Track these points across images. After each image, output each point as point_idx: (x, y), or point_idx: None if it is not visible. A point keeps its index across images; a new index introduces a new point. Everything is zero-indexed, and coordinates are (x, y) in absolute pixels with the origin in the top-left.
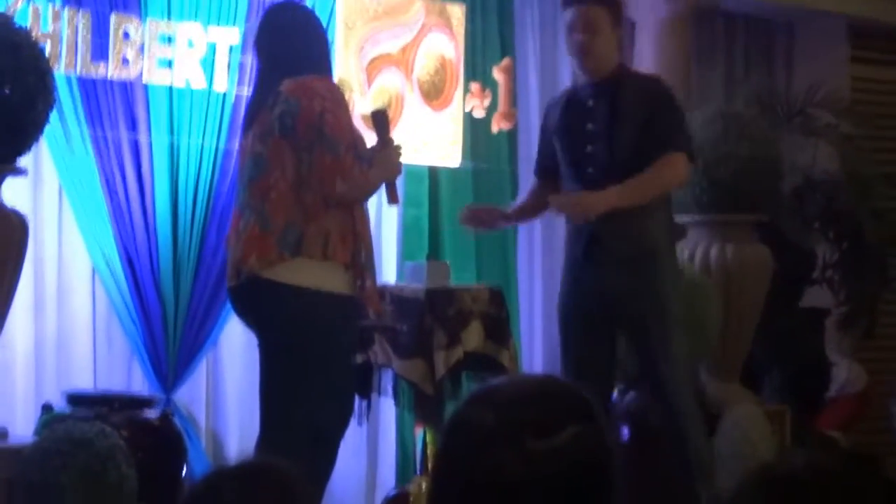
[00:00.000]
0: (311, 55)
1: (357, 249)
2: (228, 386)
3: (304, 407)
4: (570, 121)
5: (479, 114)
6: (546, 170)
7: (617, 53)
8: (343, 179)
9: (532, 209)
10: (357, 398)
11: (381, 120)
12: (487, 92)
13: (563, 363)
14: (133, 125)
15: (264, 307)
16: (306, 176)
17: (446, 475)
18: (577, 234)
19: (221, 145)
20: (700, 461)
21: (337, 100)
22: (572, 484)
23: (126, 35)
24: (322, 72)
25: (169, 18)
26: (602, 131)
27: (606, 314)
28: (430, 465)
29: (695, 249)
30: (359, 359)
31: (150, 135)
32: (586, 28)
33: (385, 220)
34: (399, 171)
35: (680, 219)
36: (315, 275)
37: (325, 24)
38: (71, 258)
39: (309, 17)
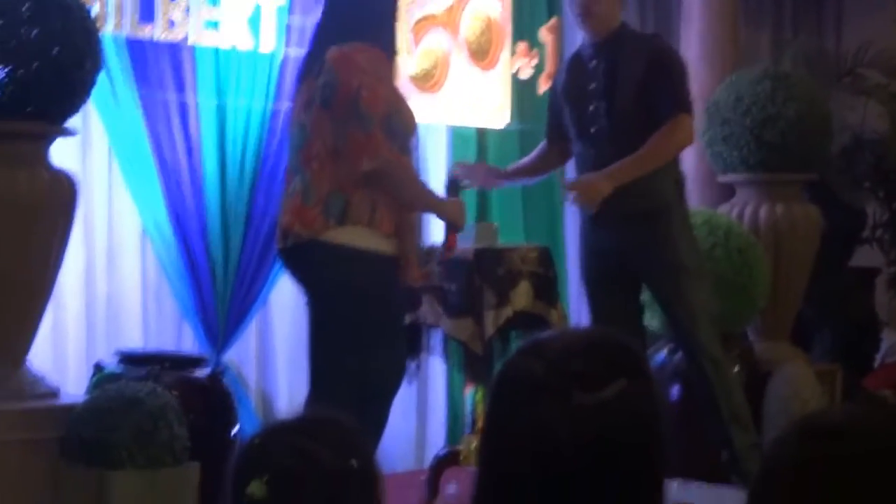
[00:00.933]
0: (367, 21)
1: (402, 219)
2: (278, 345)
3: (353, 366)
4: (573, 81)
5: (525, 74)
6: (554, 132)
7: (619, 13)
8: (370, 157)
9: (532, 170)
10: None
11: (453, 187)
12: (534, 52)
13: (592, 324)
14: (181, 86)
15: (312, 268)
16: (342, 149)
17: (494, 427)
18: None
19: (269, 106)
20: (732, 408)
21: (377, 73)
22: (619, 438)
23: None
24: (373, 39)
25: None
26: (602, 90)
27: (623, 272)
28: (479, 424)
29: (743, 209)
30: (408, 319)
31: (197, 96)
32: None
33: (433, 182)
34: (460, 223)
35: (728, 178)
36: (361, 237)
37: None
38: (120, 219)
39: None
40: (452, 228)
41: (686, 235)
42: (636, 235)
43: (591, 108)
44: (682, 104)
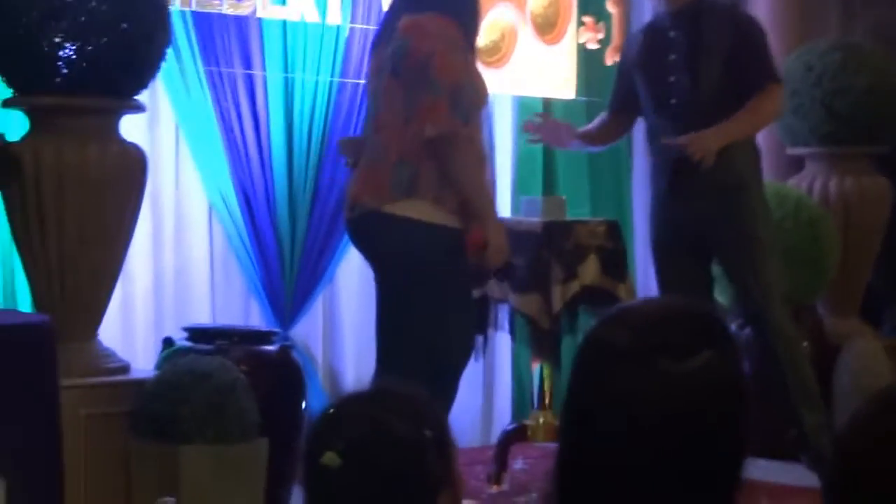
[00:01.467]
0: None
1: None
2: (345, 321)
3: (421, 341)
4: (650, 52)
5: (592, 46)
6: (619, 104)
7: None
8: (433, 124)
9: (595, 138)
10: None
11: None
12: (601, 25)
13: (661, 295)
14: (247, 61)
15: (378, 240)
16: (412, 116)
17: (578, 397)
18: (662, 167)
19: (336, 79)
20: (804, 386)
21: (450, 40)
22: (707, 408)
23: None
24: (448, 10)
25: None
26: (684, 61)
27: (696, 244)
28: (546, 400)
29: (813, 182)
30: (475, 294)
31: (264, 70)
32: None
33: (500, 153)
34: (495, 244)
35: (797, 151)
36: (426, 211)
37: None
38: (188, 195)
39: None
40: (480, 244)
41: (763, 210)
42: (715, 208)
43: (672, 79)
44: (773, 74)
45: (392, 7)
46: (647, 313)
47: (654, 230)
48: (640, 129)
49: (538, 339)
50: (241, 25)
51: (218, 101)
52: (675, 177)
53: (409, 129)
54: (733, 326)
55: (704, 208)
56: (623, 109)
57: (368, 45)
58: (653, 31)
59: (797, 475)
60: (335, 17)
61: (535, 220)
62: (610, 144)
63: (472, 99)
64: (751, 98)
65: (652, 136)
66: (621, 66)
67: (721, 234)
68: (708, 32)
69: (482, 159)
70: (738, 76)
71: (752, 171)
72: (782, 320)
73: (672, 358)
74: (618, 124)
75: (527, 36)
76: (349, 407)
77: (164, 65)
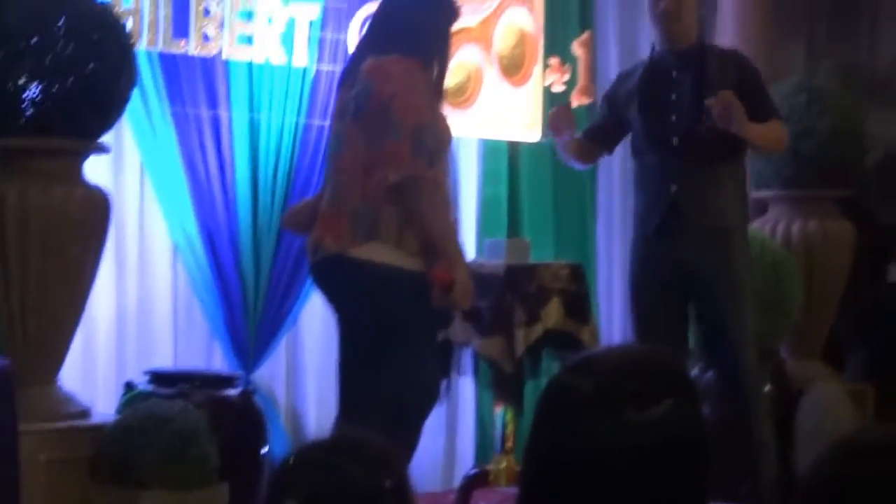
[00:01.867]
0: (407, 33)
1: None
2: (308, 365)
3: (384, 386)
4: (650, 90)
5: (558, 89)
6: (596, 134)
7: (699, 25)
8: (397, 168)
9: (577, 149)
10: None
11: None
12: (567, 67)
13: (636, 338)
14: (213, 102)
15: (340, 284)
16: (373, 160)
17: (541, 444)
18: (653, 206)
19: (301, 121)
20: (763, 438)
21: (413, 82)
22: (667, 457)
23: (206, 11)
24: (411, 51)
25: None
26: (688, 101)
27: (680, 288)
28: (509, 444)
29: (776, 225)
30: (438, 337)
31: (230, 111)
32: None
33: (465, 196)
34: (459, 288)
35: (762, 194)
36: (388, 255)
37: None
38: (152, 236)
39: None
40: (447, 284)
41: (748, 256)
42: (704, 251)
43: (674, 118)
44: (777, 112)
45: (357, 48)
46: (611, 361)
47: (637, 271)
48: (605, 170)
49: (501, 382)
50: (207, 66)
51: (183, 142)
52: (666, 218)
53: (371, 173)
54: (696, 370)
55: (693, 251)
56: (597, 141)
57: (335, 87)
58: (653, 70)
59: None
60: (301, 58)
61: (499, 262)
62: (579, 162)
63: (435, 141)
64: None
65: (648, 175)
66: (611, 100)
67: (707, 278)
68: (712, 73)
69: (447, 201)
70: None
71: (742, 217)
72: (752, 370)
73: (634, 406)
74: (588, 152)
75: (493, 77)
76: (308, 456)
77: (129, 105)
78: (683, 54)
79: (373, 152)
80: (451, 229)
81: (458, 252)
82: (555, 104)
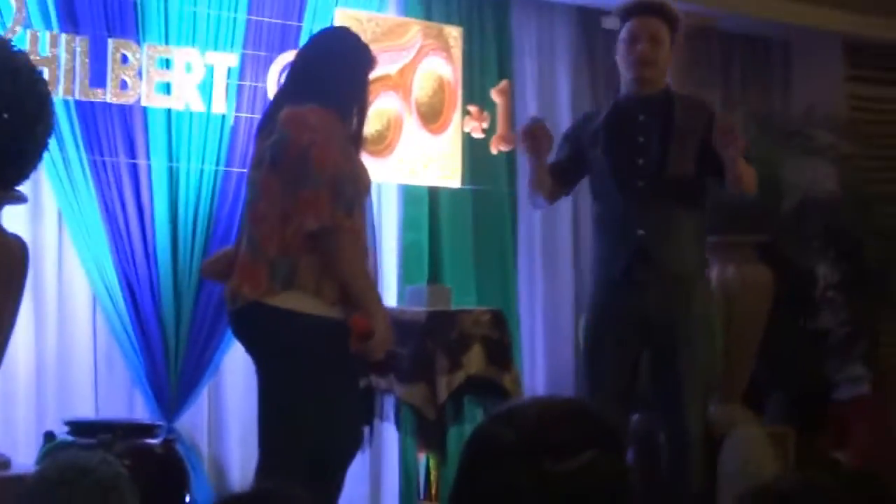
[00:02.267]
0: (324, 83)
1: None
2: (230, 413)
3: (306, 433)
4: (616, 133)
5: (477, 136)
6: (555, 171)
7: (667, 74)
8: (315, 217)
9: (546, 178)
10: None
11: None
12: (486, 114)
13: (588, 384)
14: (132, 150)
15: (259, 332)
16: (291, 209)
17: (463, 492)
18: (618, 249)
19: (220, 168)
20: (694, 487)
21: (330, 132)
22: None
23: (124, 59)
24: (327, 101)
25: (167, 43)
26: (655, 145)
27: (639, 335)
28: (433, 490)
29: None
30: (361, 384)
31: (149, 159)
32: (651, 38)
33: (386, 243)
34: (379, 337)
35: None
36: (307, 303)
37: None
38: (71, 285)
39: (345, 43)
40: (365, 332)
41: (710, 303)
42: (668, 297)
43: (641, 161)
44: (746, 156)
45: (275, 98)
46: (535, 412)
47: (597, 314)
48: (525, 216)
49: (424, 429)
50: (126, 114)
51: (101, 191)
52: (633, 263)
53: (288, 222)
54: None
55: (658, 297)
56: (556, 178)
57: (253, 135)
58: (618, 113)
59: None
60: (220, 106)
61: (420, 309)
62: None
63: (353, 190)
64: (723, 177)
65: (609, 216)
66: (571, 140)
67: (669, 324)
68: (680, 118)
69: (365, 249)
70: (710, 159)
71: (704, 263)
72: (699, 421)
73: (555, 456)
74: (550, 188)
75: (412, 125)
76: None
77: (46, 154)
78: (651, 99)
79: (290, 201)
80: (370, 278)
81: (376, 301)
82: (474, 151)
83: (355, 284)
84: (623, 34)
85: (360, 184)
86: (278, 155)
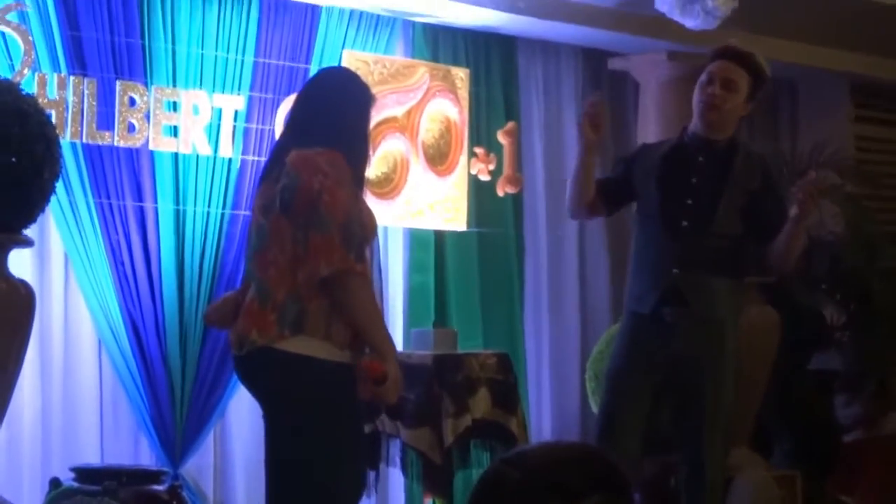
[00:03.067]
0: (332, 125)
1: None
2: (237, 458)
3: (312, 477)
4: (672, 169)
5: (484, 177)
6: (603, 187)
7: (737, 124)
8: (327, 262)
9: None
10: None
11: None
12: (492, 156)
13: (602, 426)
14: (138, 193)
15: (267, 377)
16: (302, 254)
17: None
18: (653, 285)
19: (227, 211)
20: None
21: (339, 176)
22: None
23: (132, 102)
24: (336, 144)
25: (174, 85)
26: (708, 188)
27: (664, 379)
28: None
29: None
30: (366, 429)
31: (155, 202)
32: (726, 83)
33: (392, 286)
34: (387, 397)
35: None
36: (317, 348)
37: None
38: (77, 329)
39: (347, 84)
40: (378, 377)
41: (736, 348)
42: (697, 340)
43: (690, 201)
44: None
45: (280, 140)
46: (542, 454)
47: (622, 360)
48: (531, 259)
49: (430, 473)
50: (132, 158)
51: (108, 234)
52: (664, 304)
53: (298, 267)
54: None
55: (687, 338)
56: (602, 193)
57: (259, 176)
58: (680, 149)
59: None
60: (227, 149)
61: (426, 352)
62: (581, 203)
63: (361, 234)
64: (766, 239)
65: (649, 251)
66: (628, 162)
67: (696, 368)
68: (741, 169)
69: (373, 294)
70: (756, 217)
71: (738, 310)
72: (720, 465)
73: (563, 499)
74: (591, 200)
75: (419, 167)
76: None
77: (53, 197)
78: (714, 143)
79: (301, 246)
80: (382, 322)
81: (390, 345)
82: (480, 193)
83: (370, 328)
84: (702, 75)
85: (366, 227)
86: (289, 200)
